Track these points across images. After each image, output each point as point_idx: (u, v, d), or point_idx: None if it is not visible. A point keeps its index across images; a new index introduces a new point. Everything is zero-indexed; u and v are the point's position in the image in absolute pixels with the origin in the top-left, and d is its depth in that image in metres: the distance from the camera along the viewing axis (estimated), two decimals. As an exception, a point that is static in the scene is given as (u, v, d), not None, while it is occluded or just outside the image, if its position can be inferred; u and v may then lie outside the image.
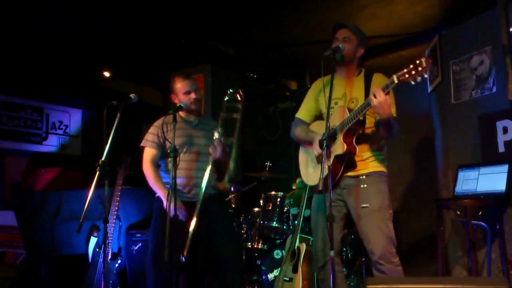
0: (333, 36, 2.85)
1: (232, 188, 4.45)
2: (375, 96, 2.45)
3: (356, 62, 2.87)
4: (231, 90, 3.23)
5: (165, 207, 2.98)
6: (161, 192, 3.17)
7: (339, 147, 2.65)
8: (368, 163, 2.76)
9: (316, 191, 2.89)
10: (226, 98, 3.22)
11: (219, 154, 3.12)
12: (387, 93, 2.45)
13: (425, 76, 2.29)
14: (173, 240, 2.66)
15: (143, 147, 3.29)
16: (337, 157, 2.67)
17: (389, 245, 2.65)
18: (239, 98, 3.20)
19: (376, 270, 2.66)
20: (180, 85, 3.25)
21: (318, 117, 3.00)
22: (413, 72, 2.29)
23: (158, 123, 3.31)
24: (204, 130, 3.35)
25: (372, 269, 2.72)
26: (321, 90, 2.93)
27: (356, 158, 2.74)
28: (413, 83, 2.32)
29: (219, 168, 3.23)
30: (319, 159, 2.85)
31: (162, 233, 2.73)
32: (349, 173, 2.76)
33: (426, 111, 4.65)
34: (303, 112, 3.04)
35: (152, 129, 3.30)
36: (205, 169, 3.14)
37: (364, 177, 2.74)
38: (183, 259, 2.95)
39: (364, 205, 2.69)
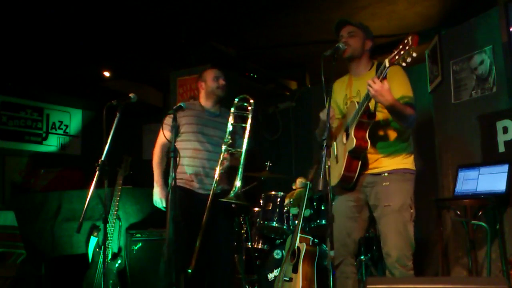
0: (337, 35, 2.81)
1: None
2: (370, 85, 2.41)
3: (367, 56, 2.81)
4: (237, 99, 3.29)
5: (154, 191, 3.29)
6: (155, 177, 3.31)
7: (351, 142, 2.59)
8: (390, 159, 2.67)
9: (337, 191, 2.83)
10: (233, 108, 3.29)
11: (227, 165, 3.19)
12: (383, 79, 2.40)
13: (414, 55, 2.24)
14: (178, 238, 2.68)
15: (161, 129, 3.29)
16: (350, 152, 2.60)
17: (405, 249, 2.58)
18: (249, 107, 3.26)
19: (389, 273, 2.61)
20: (210, 71, 3.46)
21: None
22: (402, 52, 2.27)
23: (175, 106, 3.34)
24: (223, 124, 3.38)
25: (386, 270, 2.65)
26: (336, 91, 2.89)
27: (378, 155, 2.67)
28: (404, 64, 2.29)
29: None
30: (337, 158, 2.79)
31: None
32: (371, 171, 2.68)
33: (426, 111, 4.65)
34: None
35: (171, 112, 3.31)
36: (217, 161, 3.20)
37: (386, 174, 2.65)
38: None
39: (386, 204, 2.61)
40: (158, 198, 3.31)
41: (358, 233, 2.77)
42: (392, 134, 2.70)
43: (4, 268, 2.97)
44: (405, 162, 2.70)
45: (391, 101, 2.44)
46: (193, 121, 3.34)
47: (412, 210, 2.66)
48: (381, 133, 2.69)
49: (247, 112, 3.28)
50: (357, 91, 2.77)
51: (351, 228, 2.75)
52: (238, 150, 3.19)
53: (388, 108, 2.49)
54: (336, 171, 2.71)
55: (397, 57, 2.30)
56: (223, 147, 3.19)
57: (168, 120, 3.26)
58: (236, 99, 3.30)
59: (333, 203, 2.85)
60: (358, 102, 2.62)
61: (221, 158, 3.18)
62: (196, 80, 3.57)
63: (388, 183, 2.64)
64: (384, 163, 2.68)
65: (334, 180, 2.70)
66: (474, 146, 3.83)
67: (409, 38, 2.24)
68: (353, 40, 2.74)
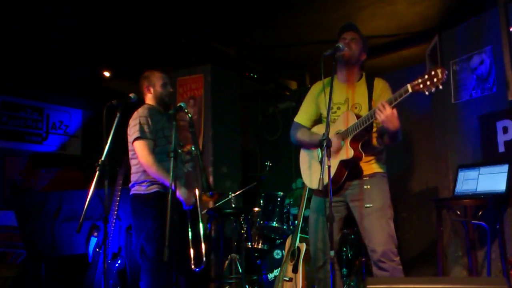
0: (339, 37, 2.84)
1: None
2: (381, 111, 2.43)
3: (359, 66, 2.87)
4: (171, 111, 3.02)
5: (183, 193, 3.12)
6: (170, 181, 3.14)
7: (345, 152, 2.64)
8: (370, 164, 2.77)
9: (316, 192, 2.88)
10: (170, 112, 3.12)
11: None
12: (395, 106, 2.43)
13: (440, 87, 2.24)
14: (173, 239, 2.66)
15: (139, 139, 3.16)
16: (343, 162, 2.67)
17: (390, 244, 2.65)
18: (188, 114, 3.24)
19: (378, 268, 2.65)
20: (158, 76, 3.40)
21: (318, 121, 2.97)
22: (428, 83, 2.27)
23: (144, 113, 3.24)
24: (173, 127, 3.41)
25: (373, 267, 2.70)
26: (320, 93, 2.91)
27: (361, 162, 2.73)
28: (427, 93, 2.29)
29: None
30: (322, 163, 2.82)
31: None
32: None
33: (426, 111, 4.65)
34: (302, 116, 3.00)
35: (143, 120, 3.21)
36: (182, 163, 3.23)
37: (367, 178, 2.75)
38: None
39: (368, 205, 2.69)
40: (190, 198, 3.17)
41: (338, 233, 2.85)
42: (374, 147, 2.79)
43: (4, 268, 2.97)
44: (382, 167, 2.82)
45: (398, 127, 2.50)
46: (163, 126, 3.27)
47: (392, 211, 2.75)
48: (366, 142, 2.74)
49: (187, 118, 3.20)
50: (345, 98, 2.81)
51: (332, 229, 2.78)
52: (196, 152, 3.20)
53: (391, 133, 2.55)
54: (319, 174, 2.72)
55: (421, 85, 2.31)
56: (179, 150, 3.17)
57: (145, 128, 3.17)
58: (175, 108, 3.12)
59: (313, 204, 2.92)
60: (357, 115, 2.67)
61: (185, 158, 3.21)
62: (141, 80, 3.43)
63: (369, 186, 2.74)
64: (364, 168, 2.76)
65: (317, 184, 2.71)
66: (474, 146, 3.83)
67: (439, 71, 2.24)
68: (355, 45, 2.78)
